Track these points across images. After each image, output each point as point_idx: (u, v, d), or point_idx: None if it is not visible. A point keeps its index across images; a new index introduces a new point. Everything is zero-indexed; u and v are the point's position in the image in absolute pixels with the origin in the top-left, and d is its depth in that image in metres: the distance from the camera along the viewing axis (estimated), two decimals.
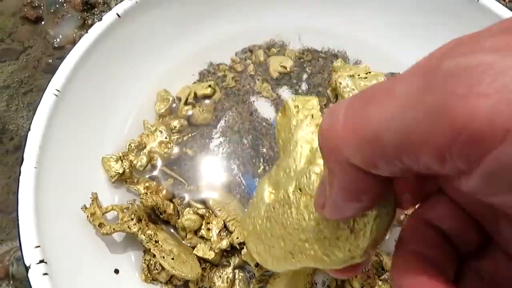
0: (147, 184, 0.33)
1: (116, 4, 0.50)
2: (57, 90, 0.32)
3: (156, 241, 0.29)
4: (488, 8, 0.35)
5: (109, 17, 0.35)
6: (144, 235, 0.29)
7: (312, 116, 0.24)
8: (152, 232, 0.30)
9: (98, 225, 0.30)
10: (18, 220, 0.27)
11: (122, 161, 0.34)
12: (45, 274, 0.25)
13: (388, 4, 0.41)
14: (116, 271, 0.30)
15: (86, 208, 0.30)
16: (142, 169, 0.34)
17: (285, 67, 0.40)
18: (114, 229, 0.30)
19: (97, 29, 0.34)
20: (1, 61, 0.51)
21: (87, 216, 0.30)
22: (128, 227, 0.30)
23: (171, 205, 0.33)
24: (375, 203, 0.16)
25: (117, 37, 0.35)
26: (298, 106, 0.25)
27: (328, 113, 0.14)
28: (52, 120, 0.31)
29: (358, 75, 0.35)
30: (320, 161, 0.21)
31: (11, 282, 0.37)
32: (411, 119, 0.11)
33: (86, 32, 0.51)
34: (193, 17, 0.39)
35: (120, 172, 0.33)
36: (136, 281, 0.31)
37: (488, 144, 0.10)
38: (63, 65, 0.32)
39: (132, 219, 0.30)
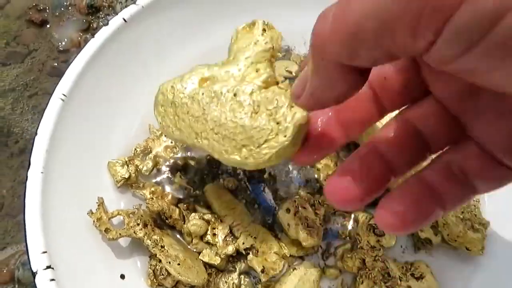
0: (152, 189, 0.33)
1: (121, 8, 0.51)
2: (64, 94, 0.32)
3: (162, 246, 0.29)
4: None
5: (115, 22, 0.35)
6: (150, 240, 0.29)
7: (273, 48, 0.28)
8: (158, 237, 0.30)
9: (104, 230, 0.30)
10: (25, 225, 0.27)
11: (128, 165, 0.34)
12: (52, 280, 0.25)
13: None
14: (122, 276, 0.30)
15: (92, 213, 0.30)
16: (148, 173, 0.34)
17: (290, 72, 0.40)
18: (120, 234, 0.30)
19: (103, 33, 0.35)
20: (7, 64, 0.51)
21: (93, 221, 0.30)
22: (134, 232, 0.30)
23: (177, 210, 0.33)
24: (346, 97, 0.18)
25: (123, 41, 0.35)
26: (265, 30, 0.29)
27: (321, 16, 0.16)
28: (58, 124, 0.31)
29: None
30: (257, 82, 0.26)
31: (17, 286, 0.37)
32: (387, 2, 0.13)
33: (91, 35, 0.51)
34: (197, 21, 0.39)
35: (126, 177, 0.33)
36: (142, 286, 0.31)
37: (449, 10, 0.11)
38: (69, 70, 0.33)
39: (138, 224, 0.30)
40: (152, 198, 0.32)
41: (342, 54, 0.15)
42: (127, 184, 0.34)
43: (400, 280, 0.30)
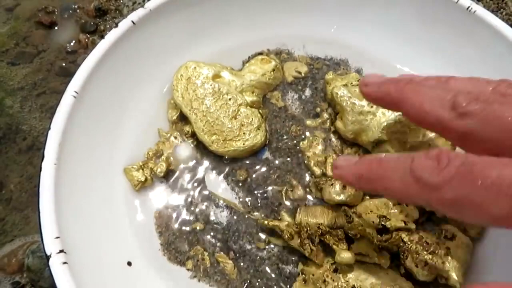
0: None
1: (128, 11, 0.53)
2: (76, 91, 0.33)
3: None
4: (484, 19, 0.37)
5: (124, 24, 0.37)
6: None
7: (271, 84, 0.41)
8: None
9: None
10: (39, 212, 0.28)
11: (143, 169, 0.36)
12: (65, 263, 0.27)
13: (388, 15, 0.43)
14: (129, 263, 0.32)
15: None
16: (162, 175, 0.36)
17: (300, 72, 0.42)
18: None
19: (113, 35, 0.36)
20: (16, 64, 0.53)
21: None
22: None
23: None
24: None
25: (132, 43, 0.37)
26: (274, 70, 0.41)
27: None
28: (70, 119, 0.33)
29: (351, 83, 0.37)
30: (248, 99, 0.39)
31: (25, 274, 0.39)
32: None
33: (99, 37, 0.53)
34: (203, 24, 0.41)
35: (142, 180, 0.35)
36: (147, 274, 0.32)
37: None
38: (81, 69, 0.34)
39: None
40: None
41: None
42: (145, 187, 0.36)
43: (438, 245, 0.31)
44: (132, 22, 0.38)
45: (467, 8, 0.38)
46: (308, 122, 0.40)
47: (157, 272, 0.33)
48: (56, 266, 0.27)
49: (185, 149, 0.38)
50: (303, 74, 0.42)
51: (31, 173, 0.48)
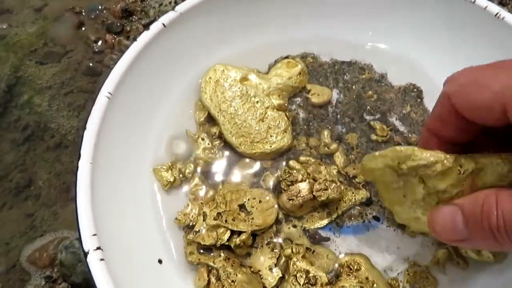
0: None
1: (154, 13, 0.54)
2: (109, 93, 0.34)
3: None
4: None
5: (155, 27, 0.38)
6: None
7: (297, 87, 0.42)
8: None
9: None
10: (76, 210, 0.29)
11: (171, 170, 0.36)
12: (102, 259, 0.28)
13: (414, 18, 0.43)
14: (160, 261, 0.33)
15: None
16: (190, 175, 0.37)
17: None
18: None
19: (145, 37, 0.37)
20: (44, 63, 0.55)
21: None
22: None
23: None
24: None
25: (162, 45, 0.38)
26: (300, 74, 0.42)
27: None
28: (104, 120, 0.34)
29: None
30: (275, 102, 0.40)
31: (56, 268, 0.40)
32: None
33: (125, 38, 0.54)
34: (231, 27, 0.42)
35: (172, 180, 0.36)
36: (176, 271, 0.33)
37: None
38: (114, 70, 0.35)
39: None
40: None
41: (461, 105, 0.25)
42: (173, 187, 0.37)
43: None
44: (163, 24, 0.38)
45: (496, 15, 0.38)
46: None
47: (186, 270, 0.34)
48: (93, 262, 0.27)
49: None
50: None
51: (59, 170, 0.49)
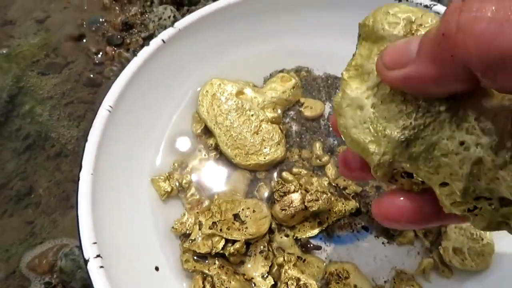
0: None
1: (153, 26, 0.55)
2: (110, 106, 0.36)
3: None
4: None
5: (155, 42, 0.40)
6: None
7: (290, 101, 0.45)
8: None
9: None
10: (77, 219, 0.31)
11: (169, 180, 0.38)
12: (101, 267, 0.29)
13: None
14: (157, 268, 0.34)
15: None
16: (187, 186, 0.38)
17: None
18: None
19: (144, 52, 0.39)
20: (46, 74, 0.56)
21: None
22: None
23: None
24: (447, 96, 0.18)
25: (162, 60, 0.40)
26: (294, 88, 0.45)
27: (470, 9, 0.15)
28: (105, 132, 0.35)
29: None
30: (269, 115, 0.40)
31: (55, 275, 0.41)
32: None
33: (125, 50, 0.56)
34: (228, 42, 0.44)
35: (169, 190, 0.38)
36: (173, 278, 0.35)
37: None
38: (115, 84, 0.37)
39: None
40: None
41: (478, 68, 0.15)
42: (170, 196, 0.38)
43: None
44: (163, 40, 0.40)
45: None
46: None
47: (182, 277, 0.35)
48: (93, 269, 0.29)
49: None
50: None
51: (59, 179, 0.51)
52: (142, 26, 0.57)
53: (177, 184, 0.38)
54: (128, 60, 0.54)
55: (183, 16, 0.55)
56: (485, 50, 0.14)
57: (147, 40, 0.54)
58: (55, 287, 0.39)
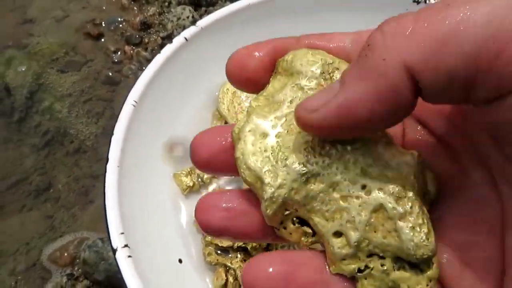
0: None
1: (172, 26, 0.56)
2: (135, 101, 0.37)
3: None
4: None
5: (178, 40, 0.40)
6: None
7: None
8: None
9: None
10: (105, 210, 0.31)
11: (190, 175, 0.39)
12: (129, 256, 0.30)
13: None
14: (180, 261, 0.35)
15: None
16: (208, 181, 0.39)
17: None
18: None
19: (168, 50, 0.40)
20: (65, 72, 0.57)
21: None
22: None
23: None
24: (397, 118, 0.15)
25: (184, 57, 0.41)
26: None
27: (393, 19, 0.15)
28: (130, 126, 0.36)
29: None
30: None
31: (77, 267, 0.42)
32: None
33: (143, 49, 0.57)
34: (248, 40, 0.45)
35: (191, 185, 0.38)
36: (195, 269, 0.35)
37: None
38: (139, 80, 0.38)
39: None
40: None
41: (415, 56, 0.14)
42: (192, 191, 0.39)
43: None
44: (185, 38, 0.41)
45: None
46: None
47: (204, 270, 0.35)
48: (122, 259, 0.29)
49: None
50: None
51: (78, 175, 0.51)
52: (160, 26, 0.58)
53: (199, 179, 0.39)
54: (147, 59, 0.55)
55: (201, 16, 0.56)
56: (421, 38, 0.14)
57: (166, 39, 0.55)
58: (78, 279, 0.40)
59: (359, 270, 0.17)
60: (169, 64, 0.40)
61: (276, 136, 0.19)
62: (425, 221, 0.17)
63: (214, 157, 0.20)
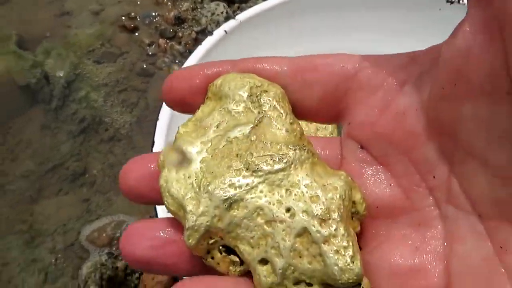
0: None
1: (206, 21, 0.58)
2: None
3: None
4: None
5: (218, 33, 0.42)
6: None
7: None
8: None
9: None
10: None
11: None
12: None
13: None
14: None
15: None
16: None
17: None
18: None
19: (208, 42, 0.41)
20: (101, 63, 0.59)
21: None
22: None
23: None
24: None
25: (223, 49, 0.42)
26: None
27: None
28: (173, 114, 0.37)
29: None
30: None
31: (115, 247, 0.44)
32: None
33: (177, 43, 0.59)
34: (285, 36, 0.46)
35: None
36: None
37: None
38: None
39: None
40: None
41: None
42: None
43: None
44: (225, 31, 0.43)
45: None
46: None
47: None
48: None
49: None
50: None
51: (112, 162, 0.53)
52: (194, 21, 0.60)
53: None
54: (180, 53, 0.57)
55: (234, 12, 0.58)
56: None
57: (199, 34, 0.57)
58: (117, 257, 0.42)
59: None
60: (209, 55, 0.42)
61: (200, 161, 0.18)
62: (350, 243, 0.16)
63: (141, 185, 0.19)
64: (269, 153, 0.18)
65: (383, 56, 0.19)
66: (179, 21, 0.60)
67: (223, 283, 0.17)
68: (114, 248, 0.44)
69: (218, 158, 0.18)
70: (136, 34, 0.61)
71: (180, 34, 0.59)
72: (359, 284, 0.16)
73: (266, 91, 0.19)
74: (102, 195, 0.51)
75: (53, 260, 0.45)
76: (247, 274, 0.18)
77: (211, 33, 0.43)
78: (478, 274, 0.15)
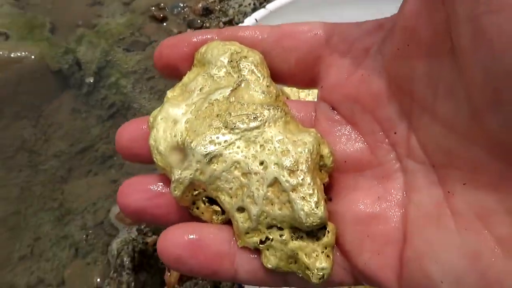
0: None
1: (233, 12, 0.60)
2: None
3: None
4: None
5: (249, 21, 0.44)
6: None
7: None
8: None
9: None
10: None
11: None
12: None
13: None
14: None
15: None
16: None
17: None
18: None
19: None
20: (131, 51, 0.61)
21: None
22: None
23: None
24: None
25: None
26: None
27: None
28: None
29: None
30: None
31: (143, 226, 0.45)
32: None
33: None
34: None
35: None
36: None
37: None
38: None
39: None
40: None
41: None
42: None
43: None
44: (255, 19, 0.44)
45: None
46: None
47: None
48: None
49: None
50: None
51: None
52: (221, 12, 0.62)
53: None
54: None
55: (260, 4, 0.59)
56: None
57: (227, 24, 0.59)
58: (146, 234, 0.44)
59: (261, 242, 0.19)
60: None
61: (185, 122, 0.20)
62: (315, 191, 0.18)
63: (135, 144, 0.21)
64: (246, 113, 0.19)
65: (353, 23, 0.20)
66: (207, 12, 0.62)
67: (208, 228, 0.19)
68: (142, 226, 0.45)
69: (201, 118, 0.19)
70: (165, 24, 0.63)
71: (207, 25, 0.61)
72: (325, 228, 0.18)
73: (246, 57, 0.20)
74: (130, 176, 0.52)
75: (84, 236, 0.47)
76: (228, 222, 0.20)
77: (237, 24, 0.44)
78: (429, 217, 0.17)
